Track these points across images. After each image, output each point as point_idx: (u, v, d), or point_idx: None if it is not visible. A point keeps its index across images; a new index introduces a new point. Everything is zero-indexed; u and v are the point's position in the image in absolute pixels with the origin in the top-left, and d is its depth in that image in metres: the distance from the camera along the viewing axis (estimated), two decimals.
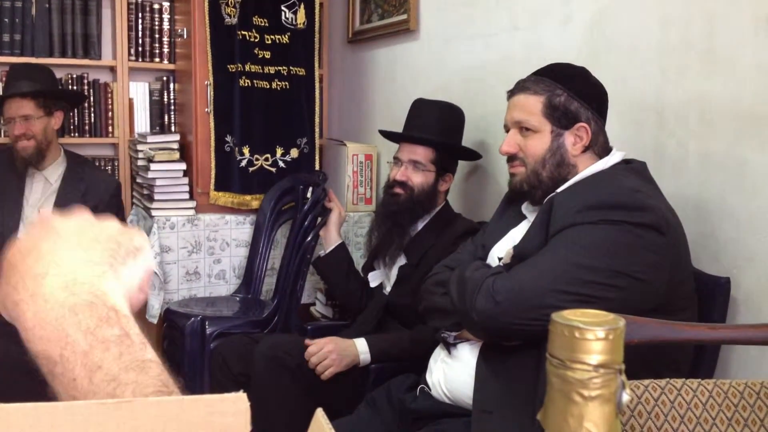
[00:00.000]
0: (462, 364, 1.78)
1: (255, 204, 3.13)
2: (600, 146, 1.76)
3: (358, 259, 2.90)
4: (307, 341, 2.27)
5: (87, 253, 0.56)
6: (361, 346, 2.26)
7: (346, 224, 3.01)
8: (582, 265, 1.50)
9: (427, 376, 1.89)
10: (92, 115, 3.44)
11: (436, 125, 2.43)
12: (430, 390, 1.87)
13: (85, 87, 3.42)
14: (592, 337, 0.49)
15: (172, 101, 3.54)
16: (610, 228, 1.52)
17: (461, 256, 1.90)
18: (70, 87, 3.37)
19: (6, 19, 3.26)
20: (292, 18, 3.25)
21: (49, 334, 0.52)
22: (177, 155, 3.16)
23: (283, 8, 3.22)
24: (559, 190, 1.71)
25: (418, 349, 2.07)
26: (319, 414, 0.54)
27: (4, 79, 3.05)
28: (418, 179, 2.40)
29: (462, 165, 2.60)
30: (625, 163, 1.74)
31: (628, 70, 2.02)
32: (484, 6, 2.64)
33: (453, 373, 1.80)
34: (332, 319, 2.96)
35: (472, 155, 2.51)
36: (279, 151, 3.21)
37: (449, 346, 1.81)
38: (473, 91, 2.66)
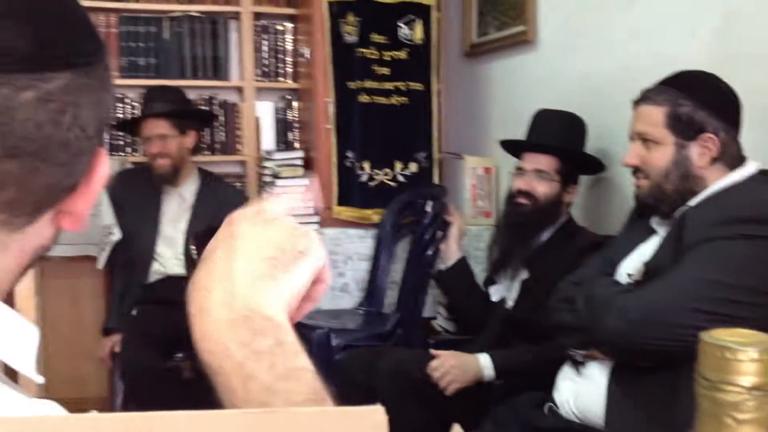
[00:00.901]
0: (592, 383, 1.73)
1: (376, 218, 3.17)
2: (732, 157, 1.67)
3: (478, 272, 2.88)
4: (432, 351, 2.27)
5: (250, 265, 0.60)
6: (484, 362, 2.24)
7: (466, 238, 3.00)
8: (719, 282, 1.43)
9: (555, 394, 1.85)
10: (222, 133, 3.59)
11: (559, 134, 2.39)
12: (558, 408, 1.83)
13: (215, 107, 3.57)
14: (744, 358, 0.47)
15: (295, 119, 3.65)
16: (747, 243, 1.45)
17: (588, 271, 1.85)
18: (201, 107, 3.53)
19: (141, 44, 3.46)
20: (409, 34, 3.28)
21: (212, 347, 0.56)
22: (301, 171, 3.25)
23: (400, 24, 3.26)
24: (691, 203, 1.64)
25: (544, 366, 2.03)
26: (457, 430, 0.55)
27: (141, 100, 3.24)
28: (543, 189, 2.35)
29: (586, 177, 2.54)
30: (762, 174, 1.65)
31: (760, 76, 1.91)
32: (605, 14, 2.58)
33: (582, 392, 1.76)
34: (454, 334, 2.95)
35: (596, 167, 2.45)
36: (398, 166, 3.24)
37: (578, 365, 1.77)
38: (594, 102, 2.59)
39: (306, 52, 3.41)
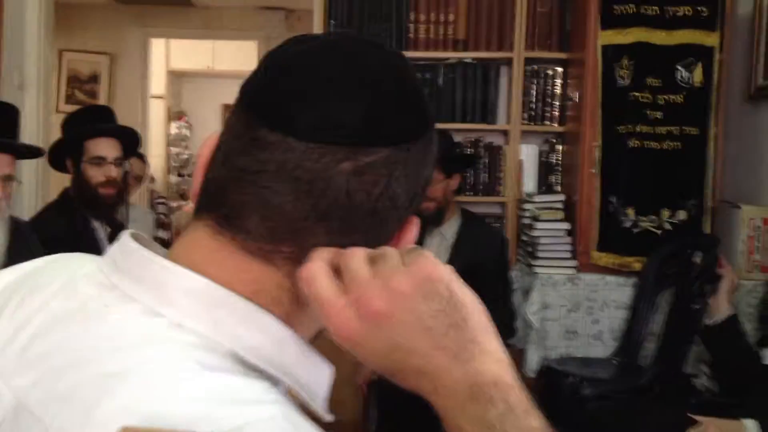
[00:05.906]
0: None
1: (637, 266, 3.06)
2: None
3: (750, 330, 2.66)
4: (693, 416, 2.14)
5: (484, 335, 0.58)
6: (751, 429, 2.06)
7: (738, 293, 2.78)
8: None
9: None
10: (485, 174, 3.68)
11: None
12: None
13: (480, 149, 3.68)
14: None
15: (558, 162, 3.64)
16: None
17: None
18: (467, 149, 3.66)
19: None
20: (688, 77, 3.15)
21: (449, 429, 0.57)
22: (561, 215, 3.24)
23: (678, 67, 3.14)
24: None
25: None
26: None
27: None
28: None
29: None
30: None
31: None
32: None
33: None
34: (717, 395, 2.74)
35: None
36: (665, 213, 3.11)
37: None
38: None
39: (575, 95, 3.41)
